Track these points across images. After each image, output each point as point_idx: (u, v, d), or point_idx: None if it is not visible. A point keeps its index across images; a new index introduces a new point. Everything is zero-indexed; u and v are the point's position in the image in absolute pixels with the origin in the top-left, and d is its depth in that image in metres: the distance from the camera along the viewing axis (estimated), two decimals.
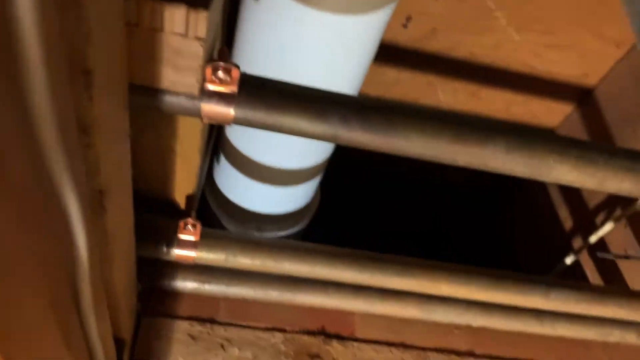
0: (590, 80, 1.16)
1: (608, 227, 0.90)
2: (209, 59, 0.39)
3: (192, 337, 0.72)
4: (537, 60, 1.11)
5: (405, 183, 1.47)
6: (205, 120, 0.42)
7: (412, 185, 1.47)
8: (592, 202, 1.05)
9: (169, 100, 0.40)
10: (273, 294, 0.74)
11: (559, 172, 0.46)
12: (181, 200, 0.60)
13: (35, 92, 0.15)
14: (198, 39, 0.35)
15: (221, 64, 0.38)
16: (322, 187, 0.97)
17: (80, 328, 0.32)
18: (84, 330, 0.33)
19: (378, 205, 1.52)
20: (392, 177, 1.44)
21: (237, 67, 0.39)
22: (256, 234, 0.87)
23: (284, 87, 0.42)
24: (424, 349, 0.80)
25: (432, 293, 0.70)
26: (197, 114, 0.41)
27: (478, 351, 0.81)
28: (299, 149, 0.73)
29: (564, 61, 1.11)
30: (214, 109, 0.41)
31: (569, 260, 0.95)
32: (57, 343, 0.25)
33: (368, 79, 0.75)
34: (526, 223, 1.30)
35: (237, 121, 0.42)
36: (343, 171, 1.24)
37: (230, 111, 0.41)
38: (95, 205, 0.34)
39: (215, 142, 0.81)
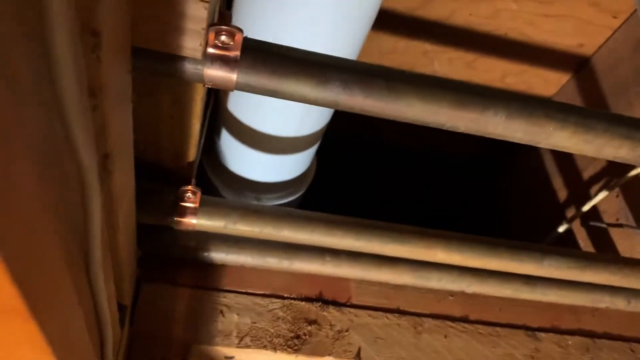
0: (586, 50, 1.16)
1: (601, 196, 0.91)
2: (212, 23, 0.38)
3: (191, 304, 0.73)
4: (534, 29, 1.10)
5: (400, 154, 1.47)
6: (208, 85, 0.41)
7: (407, 156, 1.47)
8: (586, 173, 1.07)
9: (171, 64, 0.40)
10: (271, 261, 0.75)
11: (558, 138, 0.46)
12: (180, 168, 0.60)
13: (56, 46, 0.15)
14: (202, 0, 0.35)
15: (224, 27, 0.38)
16: (318, 158, 0.98)
17: (89, 289, 0.33)
18: (93, 292, 0.34)
19: (372, 176, 1.52)
20: (386, 148, 1.44)
21: (241, 31, 0.38)
22: (254, 202, 0.87)
23: (287, 52, 0.42)
24: (419, 314, 0.81)
25: (428, 260, 0.71)
26: (199, 79, 0.41)
27: (472, 317, 0.83)
28: (298, 117, 0.73)
29: (560, 31, 1.11)
30: (216, 73, 0.40)
31: (561, 228, 0.96)
32: (72, 302, 0.25)
33: (364, 48, 0.75)
34: (521, 193, 1.32)
35: (240, 87, 0.42)
36: (337, 142, 1.24)
37: (233, 76, 0.41)
38: (100, 169, 0.34)
39: (213, 110, 0.80)
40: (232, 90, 0.42)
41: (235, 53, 0.40)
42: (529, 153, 1.30)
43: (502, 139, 0.46)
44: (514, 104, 0.45)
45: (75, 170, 0.23)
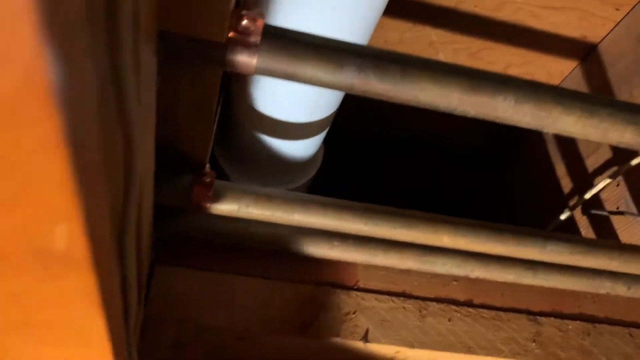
0: (589, 42, 1.17)
1: (603, 184, 0.93)
2: (235, 8, 0.40)
3: (204, 286, 0.75)
4: (537, 21, 1.12)
5: (408, 145, 1.49)
6: (229, 70, 0.43)
7: (414, 147, 1.49)
8: (589, 162, 1.08)
9: (194, 47, 0.42)
10: (281, 246, 0.77)
11: (564, 123, 0.48)
12: (196, 151, 0.62)
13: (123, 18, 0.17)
14: None
15: (247, 12, 0.40)
16: (325, 148, 0.99)
17: (120, 263, 0.35)
18: (123, 267, 0.35)
19: (380, 167, 1.54)
20: (394, 139, 1.46)
21: (262, 17, 0.40)
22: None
23: (304, 38, 0.44)
24: (424, 298, 0.83)
25: (435, 244, 0.73)
26: (221, 62, 0.42)
27: (476, 301, 0.85)
28: (309, 103, 0.75)
29: (563, 23, 1.12)
30: (238, 58, 0.42)
31: (563, 216, 0.98)
32: (114, 268, 0.27)
33: (371, 39, 0.76)
34: (525, 184, 1.34)
35: (259, 71, 0.43)
36: (344, 133, 1.25)
37: (253, 61, 0.42)
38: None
39: (224, 95, 0.82)
40: (252, 75, 0.44)
41: (256, 38, 0.41)
42: (534, 145, 1.32)
43: (511, 123, 0.48)
44: (522, 90, 0.47)
45: (121, 143, 0.24)
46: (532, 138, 1.31)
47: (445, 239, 0.72)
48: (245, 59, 0.42)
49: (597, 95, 0.48)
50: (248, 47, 0.42)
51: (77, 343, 0.28)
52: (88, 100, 0.16)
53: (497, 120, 0.48)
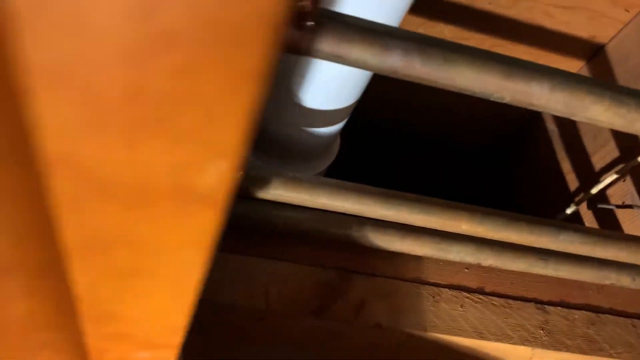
0: (598, 42, 1.20)
1: (610, 179, 0.96)
2: None
3: (224, 267, 0.77)
4: (550, 20, 1.14)
5: (420, 143, 1.51)
6: (284, 50, 0.45)
7: (426, 144, 1.52)
8: (595, 158, 1.11)
9: None
10: (301, 230, 0.79)
11: (594, 112, 0.50)
12: None
13: None
14: None
15: None
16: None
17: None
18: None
19: (392, 163, 1.57)
20: (406, 136, 1.48)
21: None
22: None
23: (354, 22, 0.46)
24: (437, 285, 0.86)
25: (453, 231, 0.76)
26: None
27: (487, 289, 0.88)
28: (333, 90, 0.77)
29: (574, 22, 1.15)
30: (291, 37, 0.44)
31: (569, 210, 1.01)
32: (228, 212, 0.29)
33: None
34: (532, 181, 1.36)
35: (309, 52, 0.45)
36: (357, 129, 1.27)
37: (305, 42, 0.44)
38: None
39: None
40: (301, 55, 0.46)
41: (311, 19, 0.43)
42: (540, 142, 1.35)
43: (544, 110, 0.50)
44: (556, 78, 0.49)
45: None
46: (538, 136, 1.34)
47: (464, 225, 0.74)
48: (297, 40, 0.44)
49: (626, 86, 0.50)
50: (302, 28, 0.43)
51: (167, 295, 0.30)
52: None
53: (530, 107, 0.50)
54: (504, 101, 0.50)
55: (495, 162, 1.53)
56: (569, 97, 0.49)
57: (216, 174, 0.19)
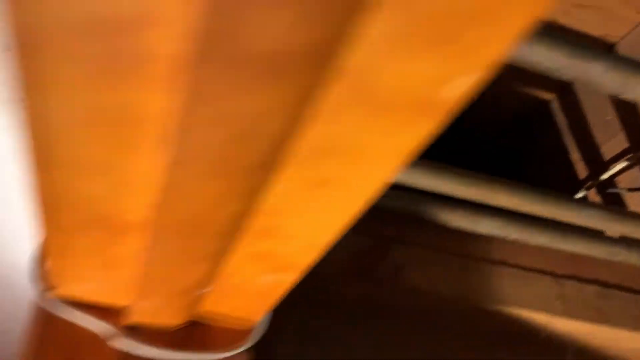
0: (610, 40, 1.28)
1: (619, 166, 1.04)
2: None
3: None
4: (567, 18, 1.22)
5: (439, 140, 1.56)
6: None
7: (438, 140, 1.57)
8: (606, 146, 1.19)
9: None
10: None
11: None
12: None
13: None
14: None
15: None
16: None
17: None
18: None
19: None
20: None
21: None
22: None
23: None
24: (465, 256, 0.93)
25: (491, 202, 0.83)
26: None
27: (510, 261, 0.95)
28: None
29: (590, 21, 1.23)
30: None
31: (578, 195, 1.09)
32: None
33: None
34: (543, 179, 1.43)
35: None
36: None
37: None
38: None
39: None
40: None
41: None
42: (548, 140, 1.42)
43: (602, 89, 0.57)
44: (610, 61, 0.56)
45: None
46: (548, 133, 1.42)
47: (502, 198, 0.81)
48: None
49: None
50: None
51: (337, 209, 0.35)
52: None
53: (588, 85, 0.57)
54: (565, 78, 0.57)
55: (507, 163, 1.59)
56: (621, 78, 0.56)
57: (460, 87, 0.23)
